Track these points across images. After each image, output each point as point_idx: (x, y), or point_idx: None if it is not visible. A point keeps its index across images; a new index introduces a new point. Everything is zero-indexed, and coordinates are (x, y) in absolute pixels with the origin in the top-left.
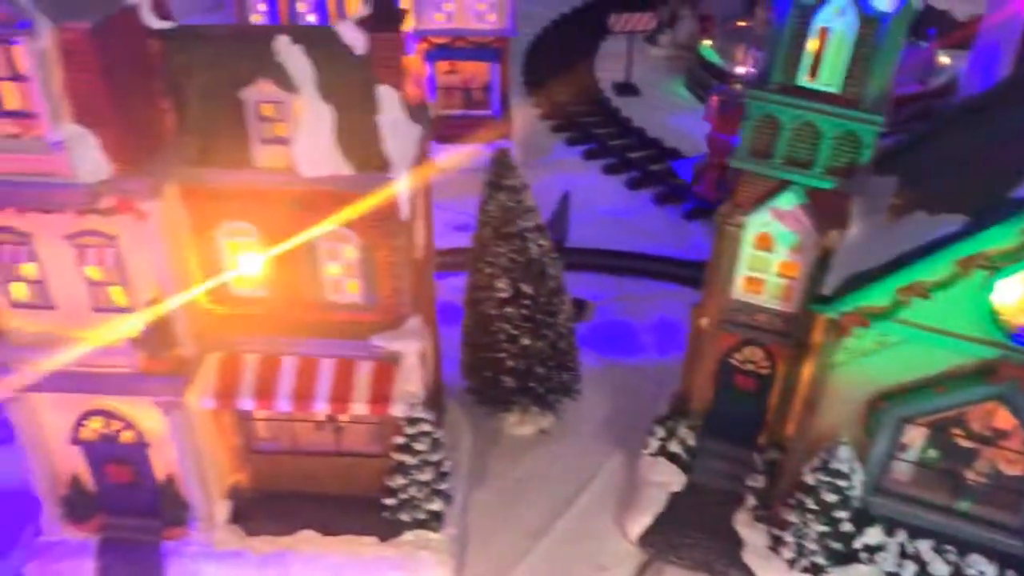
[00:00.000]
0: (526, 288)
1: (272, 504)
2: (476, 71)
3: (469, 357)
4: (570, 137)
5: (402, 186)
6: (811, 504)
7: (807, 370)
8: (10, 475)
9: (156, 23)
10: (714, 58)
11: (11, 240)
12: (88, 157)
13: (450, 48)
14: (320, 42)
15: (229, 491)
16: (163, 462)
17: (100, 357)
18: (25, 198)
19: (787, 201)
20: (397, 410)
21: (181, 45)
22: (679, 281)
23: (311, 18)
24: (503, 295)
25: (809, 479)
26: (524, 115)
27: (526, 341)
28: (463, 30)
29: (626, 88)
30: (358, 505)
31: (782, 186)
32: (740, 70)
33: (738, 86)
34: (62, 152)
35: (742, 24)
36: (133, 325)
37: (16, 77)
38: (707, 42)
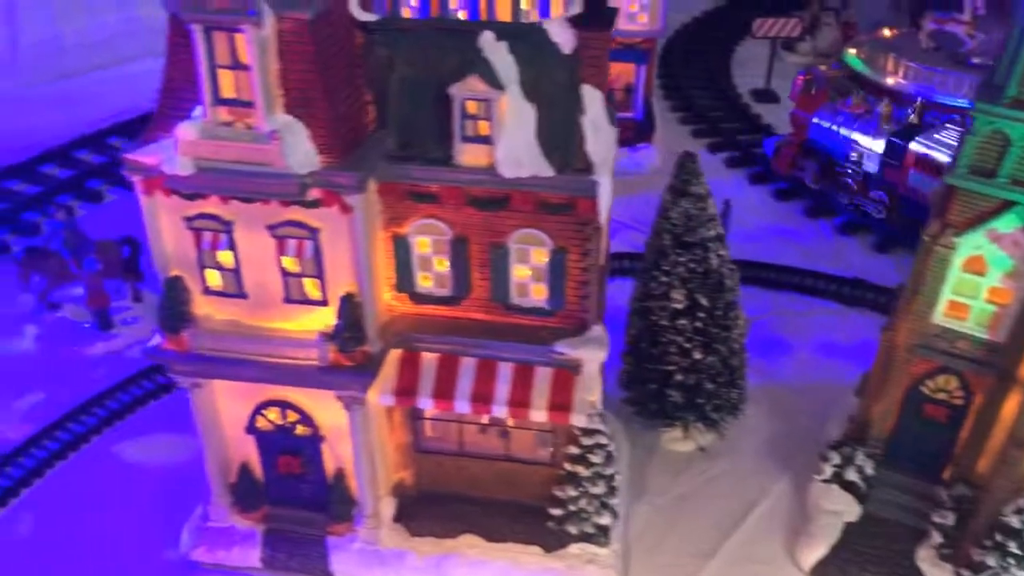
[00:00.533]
0: (702, 300)
1: (434, 506)
2: (620, 72)
3: (632, 368)
4: (712, 143)
5: (603, 189)
6: (1014, 548)
7: (1012, 404)
8: (173, 461)
9: (361, 15)
10: (860, 67)
11: (213, 228)
12: (299, 148)
13: None
14: (525, 39)
15: (392, 490)
16: (334, 456)
17: (288, 348)
18: (234, 186)
19: (1008, 223)
20: (577, 420)
21: (385, 38)
22: (835, 299)
23: (461, 15)
24: (678, 306)
25: (1014, 521)
26: (663, 119)
27: (698, 355)
28: (615, 31)
29: (765, 95)
30: (520, 512)
31: (1004, 207)
32: (889, 81)
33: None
34: (275, 142)
35: (889, 33)
36: (324, 318)
37: (236, 66)
38: (852, 50)
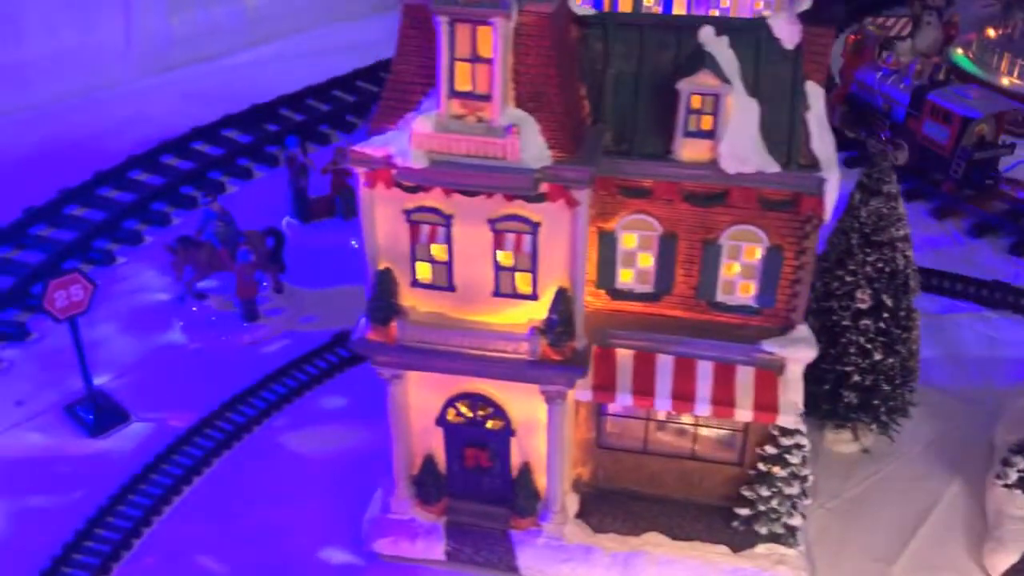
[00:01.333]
0: (888, 300)
1: (613, 502)
2: None
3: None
4: None
5: (830, 186)
6: None
7: None
8: (337, 451)
9: (578, 9)
10: (971, 67)
11: (432, 221)
12: (532, 143)
13: None
14: (747, 34)
15: (572, 485)
16: (521, 450)
17: (498, 342)
18: (468, 180)
19: None
20: (784, 421)
21: (601, 32)
22: (972, 300)
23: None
24: (862, 306)
25: None
26: None
27: (878, 356)
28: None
29: None
30: (700, 510)
31: None
32: (1004, 81)
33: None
34: (510, 136)
35: (994, 32)
36: (531, 312)
37: (475, 59)
38: (959, 50)
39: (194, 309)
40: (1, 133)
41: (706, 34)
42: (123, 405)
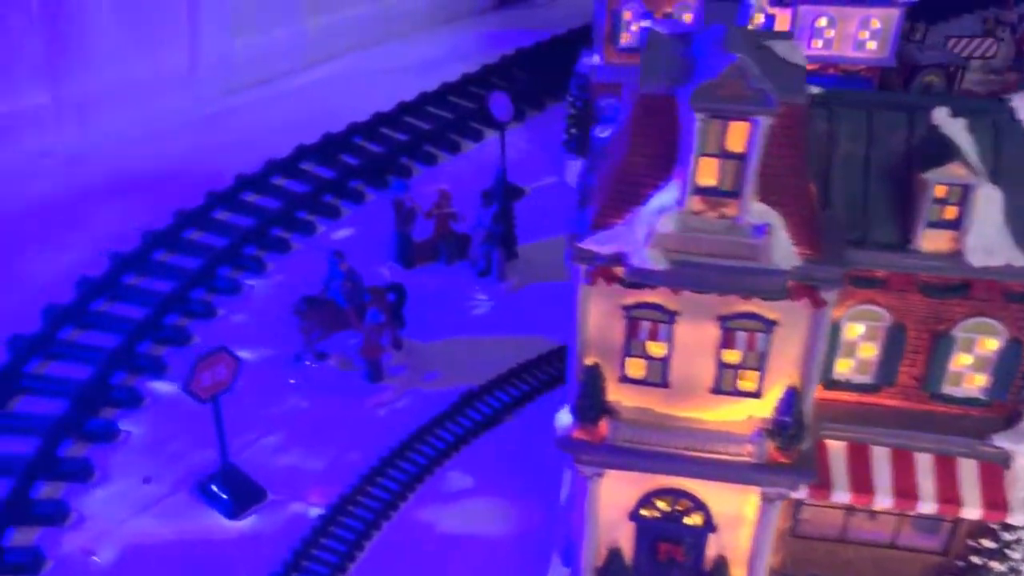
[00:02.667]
0: None
1: None
2: None
3: None
4: None
5: None
6: None
7: None
8: (496, 532)
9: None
10: None
11: (654, 317)
12: (780, 241)
13: (819, 76)
14: (986, 116)
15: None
16: (720, 545)
17: (717, 443)
18: (708, 282)
19: None
20: (1016, 519)
21: (826, 111)
22: None
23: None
24: None
25: None
26: None
27: None
28: (837, 58)
29: None
30: None
31: None
32: None
33: None
34: (765, 236)
35: None
36: (751, 410)
37: (725, 154)
38: None
39: (309, 363)
40: (71, 173)
41: (941, 116)
42: (256, 480)
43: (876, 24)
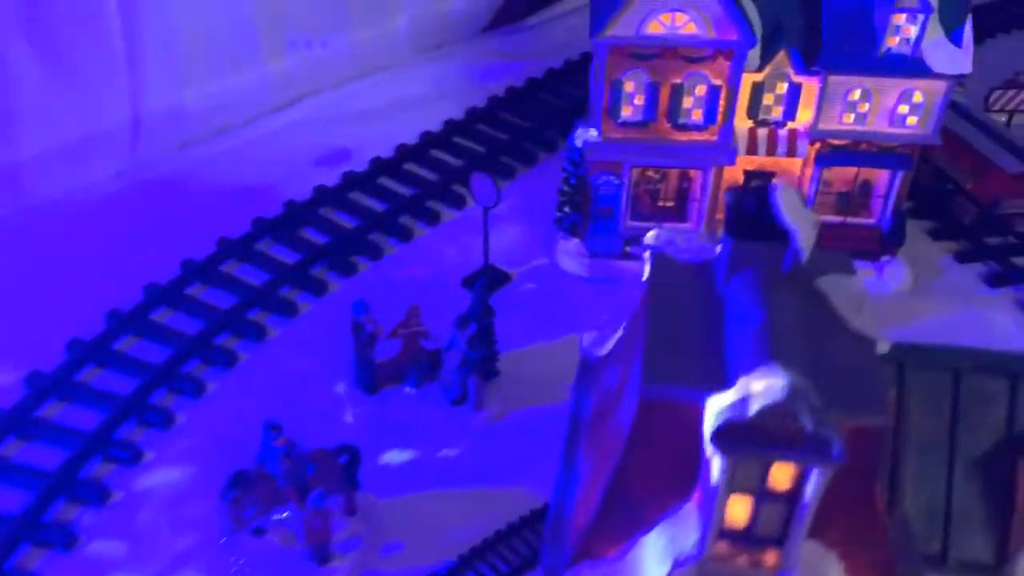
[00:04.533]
0: None
1: None
2: (864, 172)
3: None
4: (959, 250)
5: None
6: None
7: None
8: None
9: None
10: None
11: None
12: None
13: (848, 151)
14: None
15: None
16: None
17: None
18: None
19: None
20: None
21: (895, 372)
22: None
23: (696, 115)
24: None
25: None
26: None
27: None
28: (873, 133)
29: None
30: None
31: None
32: None
33: None
34: None
35: None
36: None
37: (764, 494)
38: None
39: (238, 561)
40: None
41: None
42: None
43: (919, 98)
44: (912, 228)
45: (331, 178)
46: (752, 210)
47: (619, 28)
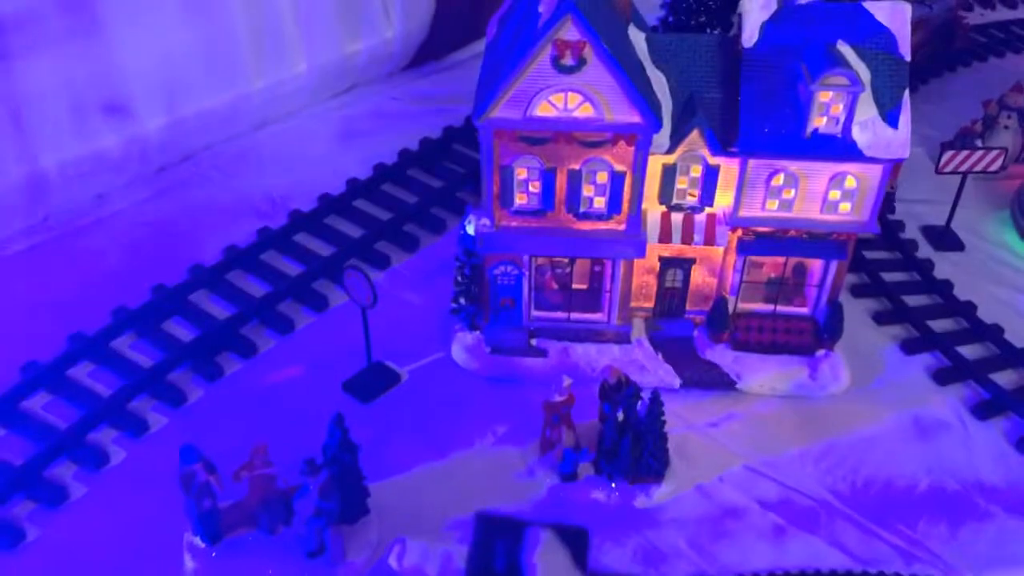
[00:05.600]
0: None
1: None
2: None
3: None
4: (906, 339)
5: None
6: None
7: None
8: None
9: None
10: None
11: None
12: None
13: (775, 239)
14: None
15: None
16: None
17: None
18: None
19: None
20: None
21: None
22: None
23: (599, 203)
24: None
25: None
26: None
27: None
28: (801, 221)
29: (945, 238)
30: None
31: None
32: None
33: None
34: None
35: None
36: None
37: None
38: None
39: None
40: None
41: None
42: None
43: (852, 183)
44: (855, 310)
45: (212, 254)
46: None
47: (504, 110)
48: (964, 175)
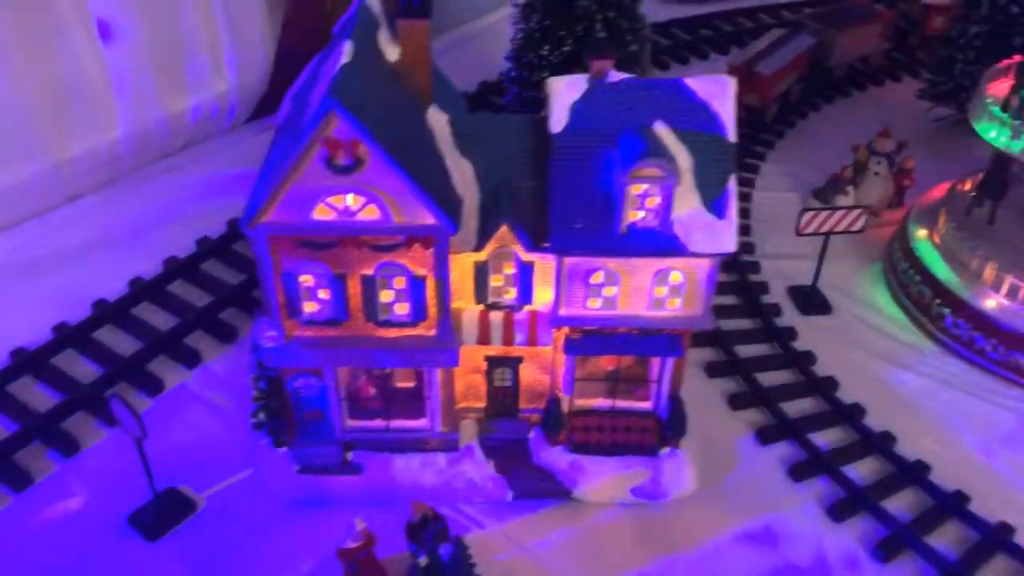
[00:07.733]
0: None
1: None
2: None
3: None
4: (761, 427)
5: None
6: None
7: None
8: None
9: None
10: (940, 270)
11: None
12: None
13: (603, 336)
14: None
15: None
16: None
17: None
18: None
19: None
20: None
21: None
22: None
23: (401, 309)
24: None
25: None
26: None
27: None
28: (627, 318)
29: (811, 299)
30: None
31: None
32: (988, 304)
33: None
34: None
35: (968, 187)
36: None
37: None
38: (921, 232)
39: None
40: None
41: None
42: None
43: (677, 278)
44: (709, 393)
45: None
46: None
47: (278, 213)
48: (827, 235)
